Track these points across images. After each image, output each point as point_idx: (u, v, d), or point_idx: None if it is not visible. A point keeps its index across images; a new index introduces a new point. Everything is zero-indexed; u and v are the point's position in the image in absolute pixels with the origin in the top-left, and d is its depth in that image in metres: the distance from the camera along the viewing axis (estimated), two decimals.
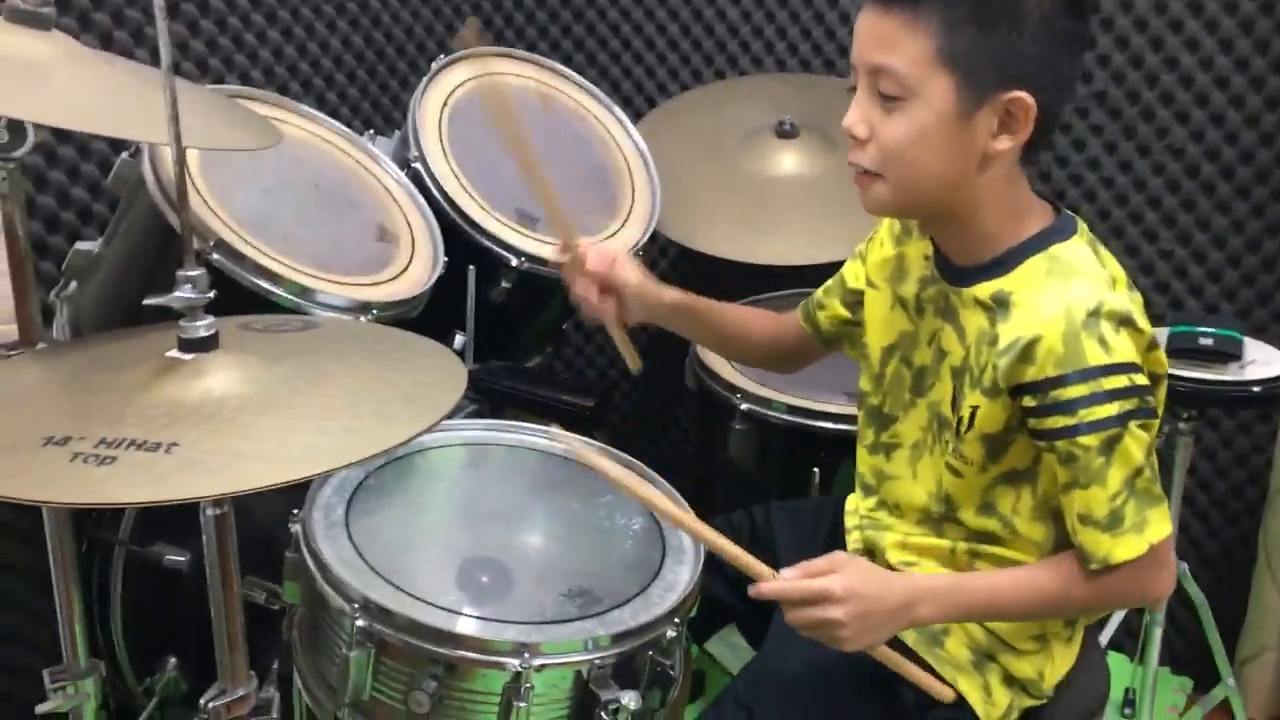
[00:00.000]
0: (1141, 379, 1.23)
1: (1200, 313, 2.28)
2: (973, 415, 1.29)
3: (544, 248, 1.93)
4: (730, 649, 1.78)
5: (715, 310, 1.61)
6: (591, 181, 2.10)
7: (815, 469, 1.89)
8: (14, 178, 1.31)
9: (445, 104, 2.01)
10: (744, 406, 1.93)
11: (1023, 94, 1.21)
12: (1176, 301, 2.33)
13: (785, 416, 1.92)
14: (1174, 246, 2.31)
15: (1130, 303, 1.23)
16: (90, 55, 1.30)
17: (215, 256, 1.55)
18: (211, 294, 1.08)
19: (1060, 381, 1.21)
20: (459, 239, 1.88)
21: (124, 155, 1.64)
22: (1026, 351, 1.22)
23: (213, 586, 1.15)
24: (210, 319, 1.09)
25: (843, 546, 1.55)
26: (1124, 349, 1.21)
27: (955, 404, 1.33)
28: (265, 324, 1.24)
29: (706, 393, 2.02)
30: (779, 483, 1.99)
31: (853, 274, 1.54)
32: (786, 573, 1.27)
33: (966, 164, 1.25)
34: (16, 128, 1.28)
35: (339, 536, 1.45)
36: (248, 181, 1.66)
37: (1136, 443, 1.22)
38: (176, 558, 1.70)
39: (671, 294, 1.56)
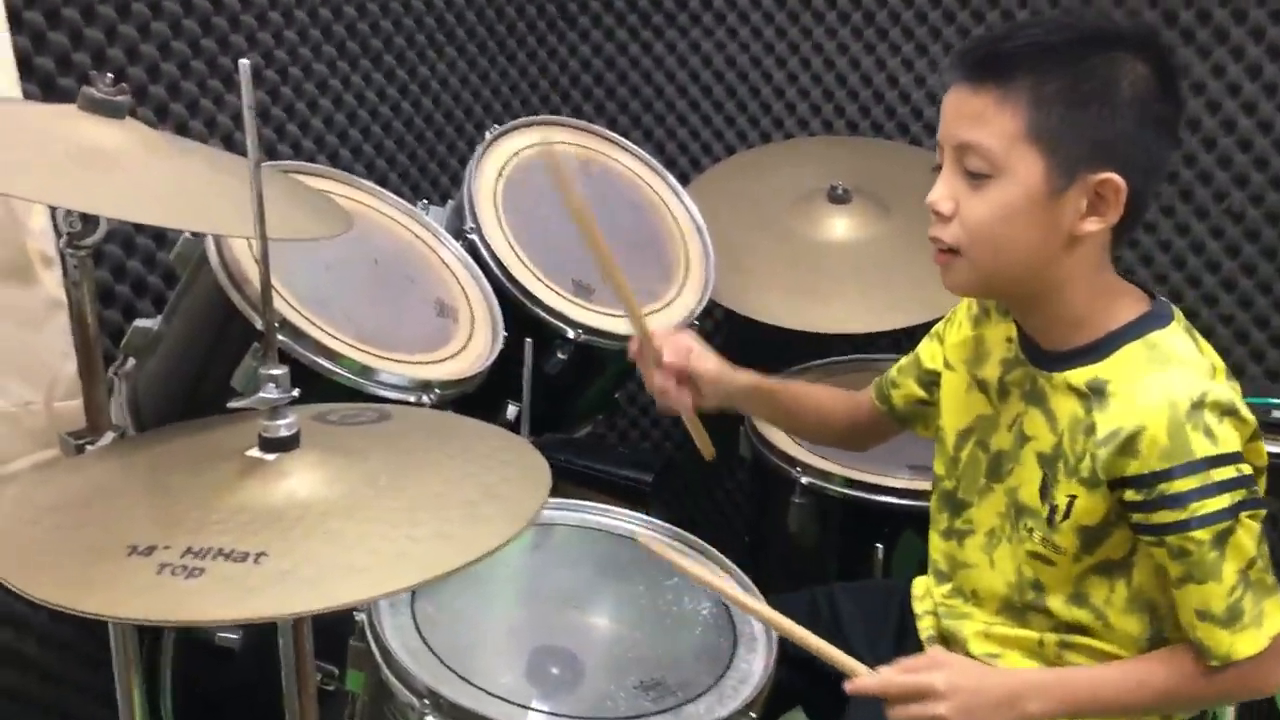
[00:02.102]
0: (1247, 468, 1.20)
1: (1266, 382, 2.24)
2: (1070, 505, 1.26)
3: (600, 319, 1.91)
4: None
5: (789, 391, 1.60)
6: (646, 249, 2.08)
7: (878, 545, 1.86)
8: (85, 265, 1.29)
9: (500, 174, 2.00)
10: (804, 480, 1.90)
11: (1113, 175, 1.19)
12: (1239, 368, 2.29)
13: (846, 490, 1.89)
14: (1234, 310, 2.28)
15: (1232, 392, 1.21)
16: (164, 143, 1.29)
17: (280, 338, 1.53)
18: (295, 393, 1.06)
19: (1167, 475, 1.18)
20: (515, 311, 1.86)
21: (186, 233, 1.63)
22: (1129, 444, 1.19)
23: (289, 694, 1.12)
24: (292, 418, 1.07)
25: (914, 632, 1.52)
26: (1229, 440, 1.19)
27: (1045, 492, 1.29)
28: (340, 415, 1.22)
29: (763, 465, 1.99)
30: (840, 558, 1.96)
31: (929, 354, 1.52)
32: (885, 670, 1.26)
33: (1053, 245, 1.23)
34: (89, 216, 1.27)
35: (405, 623, 1.43)
36: (309, 258, 1.64)
37: (1248, 533, 1.20)
38: (229, 635, 1.67)
39: (745, 377, 1.54)
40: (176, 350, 1.67)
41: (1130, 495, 1.21)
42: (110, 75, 1.25)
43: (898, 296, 2.15)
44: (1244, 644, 1.21)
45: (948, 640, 1.45)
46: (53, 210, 1.26)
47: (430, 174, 2.47)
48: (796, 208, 2.31)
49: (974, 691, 1.24)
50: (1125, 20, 2.18)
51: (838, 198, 2.28)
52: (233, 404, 1.07)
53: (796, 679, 1.48)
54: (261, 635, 1.51)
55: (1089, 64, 1.19)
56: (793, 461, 1.92)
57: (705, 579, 1.36)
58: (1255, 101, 2.18)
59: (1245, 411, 1.21)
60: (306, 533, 0.98)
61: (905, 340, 2.40)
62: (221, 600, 0.90)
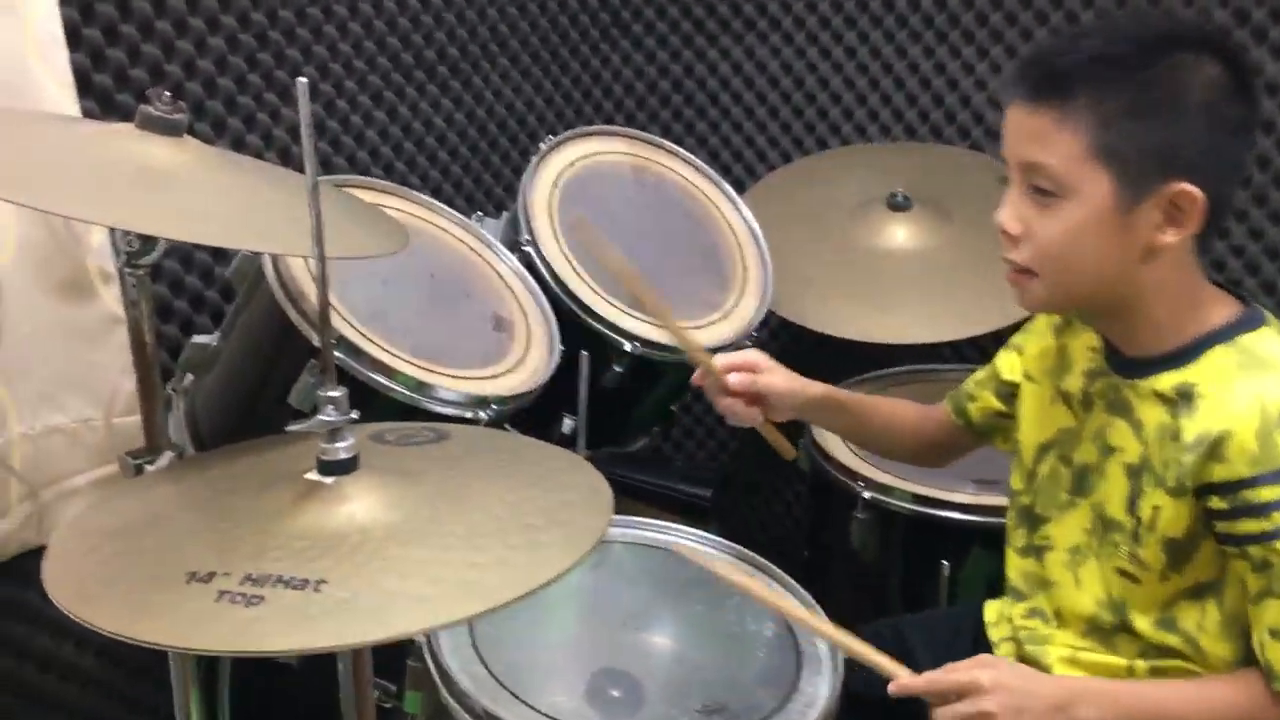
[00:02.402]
0: None
1: None
2: (1154, 516, 1.22)
3: (657, 331, 1.88)
4: None
5: (861, 403, 1.57)
6: (702, 258, 2.06)
7: (945, 562, 1.81)
8: (143, 284, 1.29)
9: (555, 184, 1.98)
10: (867, 495, 1.86)
11: (1188, 185, 1.15)
12: None
13: (910, 505, 1.84)
14: None
15: None
16: (222, 161, 1.29)
17: (337, 354, 1.51)
18: (355, 415, 1.04)
19: (1252, 483, 1.14)
20: (571, 324, 1.84)
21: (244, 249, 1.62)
22: (1216, 448, 1.15)
23: (347, 718, 1.10)
24: (351, 440, 1.05)
25: None
26: None
27: (1132, 504, 1.25)
28: (398, 435, 1.20)
29: (823, 479, 1.95)
30: (904, 575, 1.91)
31: (1007, 366, 1.48)
32: (930, 671, 1.23)
33: (1128, 259, 1.19)
34: (147, 235, 1.27)
35: (463, 643, 1.41)
36: (365, 273, 1.63)
37: None
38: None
39: (817, 388, 1.52)
40: (234, 366, 1.66)
41: (1214, 503, 1.17)
42: (167, 93, 1.24)
43: (960, 306, 2.11)
44: None
45: (1029, 665, 1.40)
46: (111, 228, 1.26)
47: (484, 185, 2.45)
48: (855, 216, 2.27)
49: (1023, 692, 1.19)
50: (1193, 20, 2.11)
51: (898, 205, 2.24)
52: (292, 427, 1.05)
53: (861, 713, 1.44)
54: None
55: (1154, 73, 1.15)
56: (855, 475, 1.89)
57: (766, 597, 1.33)
58: None
59: None
60: (366, 559, 0.96)
61: (967, 350, 2.36)
62: (282, 630, 0.88)
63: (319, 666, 1.66)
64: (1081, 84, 1.15)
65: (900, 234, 2.23)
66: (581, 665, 1.42)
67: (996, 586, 1.83)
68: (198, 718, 1.37)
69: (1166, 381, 1.22)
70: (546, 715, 1.33)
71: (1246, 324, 1.22)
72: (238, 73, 1.92)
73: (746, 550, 1.63)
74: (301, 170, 0.98)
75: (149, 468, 1.29)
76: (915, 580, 1.89)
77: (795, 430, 2.08)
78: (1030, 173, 1.19)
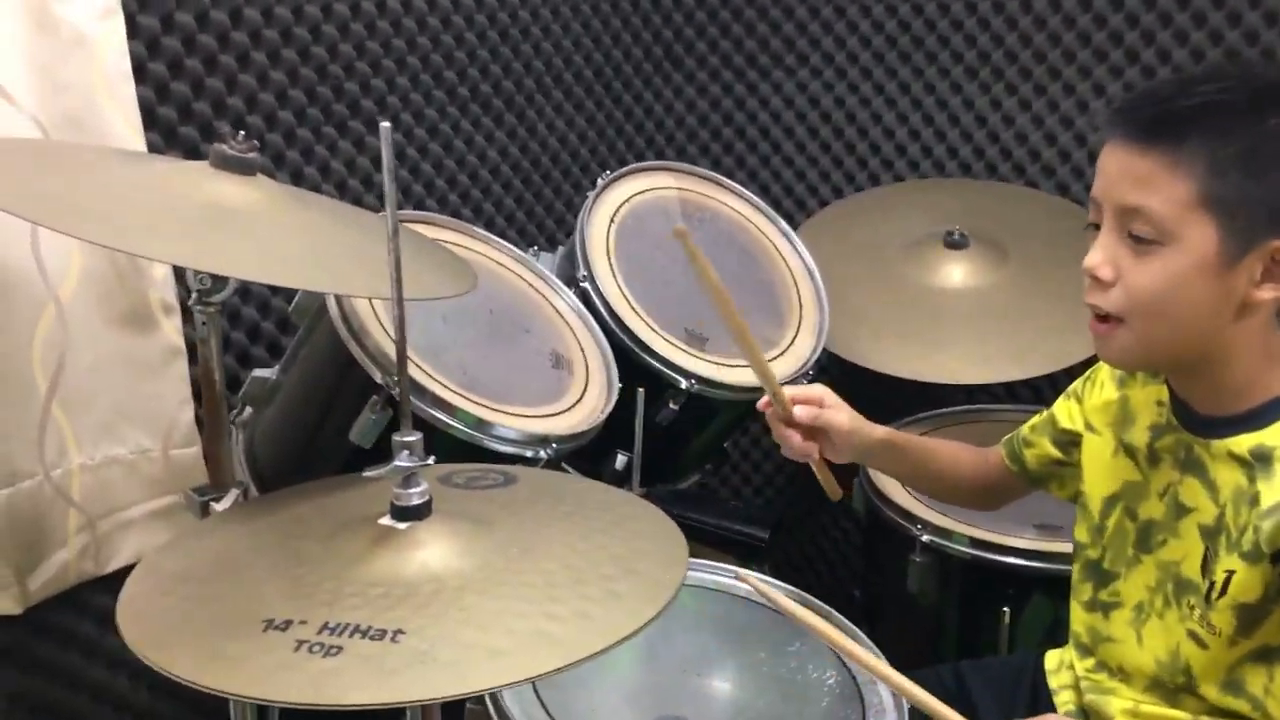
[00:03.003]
0: None
1: None
2: (1227, 581, 1.19)
3: (713, 369, 1.87)
4: None
5: (922, 447, 1.55)
6: (758, 295, 2.04)
7: (1005, 608, 1.79)
8: (214, 321, 1.29)
9: (612, 220, 1.98)
10: (925, 538, 1.84)
11: None
12: None
13: (969, 550, 1.82)
14: None
15: None
16: (293, 200, 1.28)
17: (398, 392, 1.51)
18: (430, 461, 1.03)
19: None
20: (627, 360, 1.83)
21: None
22: None
23: None
24: (425, 485, 1.04)
25: (1050, 707, 1.44)
26: None
27: (1206, 567, 1.22)
28: (466, 477, 1.19)
29: (880, 521, 1.93)
30: (962, 620, 1.88)
31: (1065, 414, 1.46)
32: None
33: (1224, 314, 1.16)
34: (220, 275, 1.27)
35: (524, 689, 1.39)
36: (424, 309, 1.63)
37: None
38: None
39: (879, 431, 1.50)
40: (294, 401, 1.66)
41: None
42: (242, 132, 1.25)
43: (1015, 347, 2.09)
44: None
45: (1089, 716, 1.38)
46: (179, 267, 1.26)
47: (536, 219, 2.46)
48: (910, 253, 2.25)
49: None
50: None
51: (954, 243, 2.22)
52: (369, 473, 1.04)
53: None
54: None
55: (1269, 126, 1.12)
56: (912, 519, 1.86)
57: (839, 641, 1.31)
58: None
59: None
60: (442, 609, 0.95)
61: (1022, 390, 2.33)
62: (362, 682, 0.87)
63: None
64: (1196, 129, 1.12)
65: (957, 273, 2.21)
66: (642, 711, 1.40)
67: (1056, 634, 1.81)
68: None
69: (1243, 444, 1.19)
70: None
71: None
72: (298, 105, 1.93)
73: (804, 593, 1.62)
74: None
75: (215, 505, 1.29)
76: (973, 626, 1.86)
77: (849, 471, 2.06)
78: (1130, 217, 1.16)
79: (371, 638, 0.91)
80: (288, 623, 0.93)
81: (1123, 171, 1.16)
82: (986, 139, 2.44)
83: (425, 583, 0.98)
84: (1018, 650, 1.80)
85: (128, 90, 1.60)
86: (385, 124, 0.97)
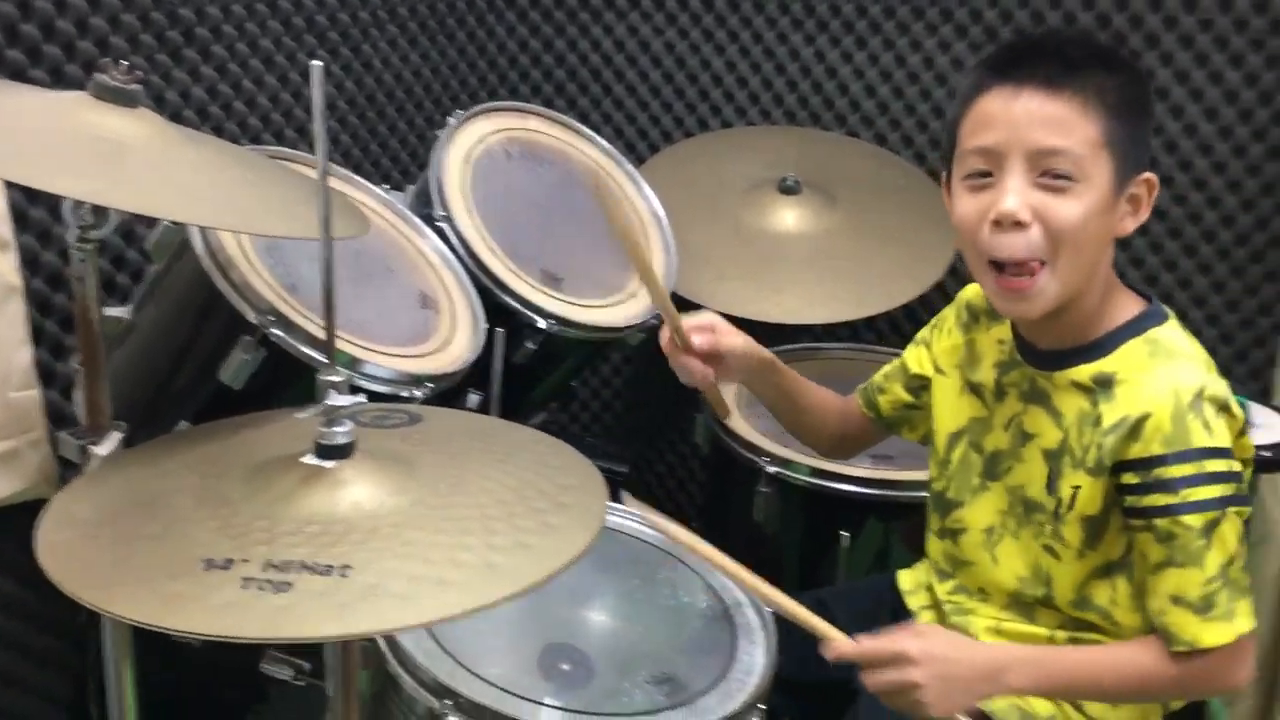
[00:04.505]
0: (1237, 465, 1.26)
1: (1249, 381, 2.30)
2: (1074, 496, 1.31)
3: (570, 309, 1.91)
4: None
5: (799, 380, 1.60)
6: (610, 239, 2.08)
7: (844, 533, 1.91)
8: (92, 259, 1.24)
9: (467, 160, 1.97)
10: (770, 469, 1.93)
11: (1151, 175, 1.27)
12: (1225, 368, 2.27)
13: (811, 480, 1.93)
14: (1220, 311, 2.34)
15: (1225, 388, 1.27)
16: (176, 134, 1.24)
17: (274, 331, 1.49)
18: (362, 397, 1.04)
19: (1163, 460, 1.23)
20: (486, 300, 1.84)
21: (165, 221, 1.57)
22: (1135, 429, 1.24)
23: (335, 704, 1.10)
24: (350, 424, 1.05)
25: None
26: (1223, 434, 1.24)
27: (1052, 485, 1.34)
28: (370, 416, 1.20)
29: (726, 455, 2.01)
30: (803, 546, 2.00)
31: (915, 360, 1.55)
32: (863, 637, 1.28)
33: (1107, 247, 1.29)
34: (101, 208, 1.22)
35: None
36: (293, 251, 1.60)
37: (1232, 529, 1.25)
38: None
39: (767, 353, 1.55)
40: (150, 339, 1.61)
41: (1127, 478, 1.26)
42: (124, 62, 1.20)
43: (851, 288, 2.21)
44: (1212, 634, 1.24)
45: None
46: (59, 201, 1.20)
47: (373, 155, 2.42)
48: (747, 197, 2.34)
49: (952, 660, 1.26)
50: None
51: (788, 189, 2.32)
52: (301, 414, 1.04)
53: (794, 688, 1.50)
54: None
55: (1135, 72, 1.27)
56: (758, 451, 1.95)
57: (723, 563, 1.36)
58: (1251, 109, 2.23)
59: (1236, 407, 1.27)
60: (384, 545, 0.97)
61: (864, 330, 2.47)
62: (318, 616, 0.88)
63: (222, 648, 1.64)
64: (1094, 75, 1.23)
65: (790, 217, 2.31)
66: (530, 641, 1.45)
67: (887, 557, 1.95)
68: (131, 706, 1.33)
69: (1084, 373, 1.32)
70: (502, 688, 1.35)
71: (1154, 318, 1.32)
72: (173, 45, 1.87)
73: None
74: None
75: (94, 448, 1.24)
76: (813, 552, 1.98)
77: (694, 409, 2.15)
78: (1046, 158, 1.23)
79: (319, 573, 0.92)
80: (229, 561, 0.92)
81: (1035, 116, 1.23)
82: (810, 89, 2.54)
83: (362, 519, 0.99)
84: (853, 575, 1.93)
85: None
86: (317, 64, 0.96)
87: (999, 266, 1.27)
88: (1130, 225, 1.28)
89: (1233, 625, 1.25)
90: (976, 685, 1.27)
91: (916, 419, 1.58)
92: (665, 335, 1.47)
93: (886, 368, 1.61)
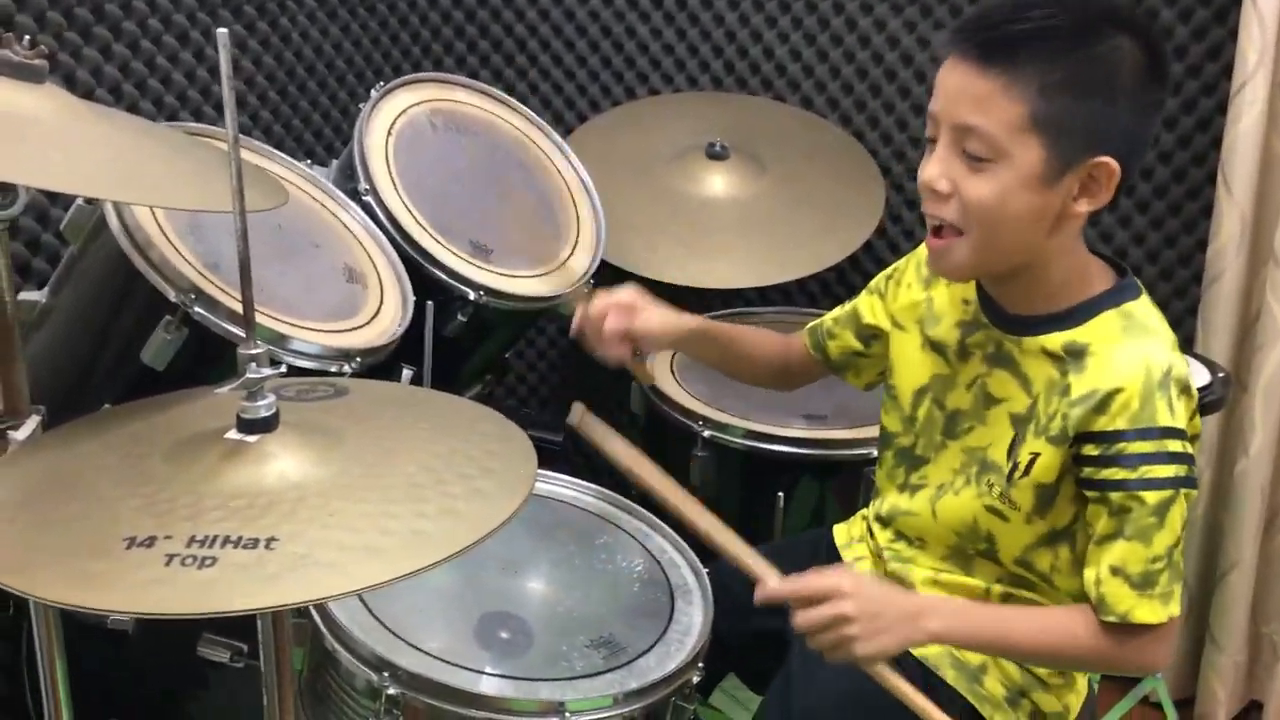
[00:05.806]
0: (1191, 449, 1.26)
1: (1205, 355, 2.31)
2: (1031, 463, 1.30)
3: (499, 280, 1.90)
4: (730, 698, 1.79)
5: (729, 332, 1.62)
6: (538, 210, 2.07)
7: (780, 493, 1.92)
8: (2, 241, 1.21)
9: (390, 132, 1.95)
10: (706, 434, 1.95)
11: (1109, 160, 1.22)
12: (1188, 340, 2.29)
13: (746, 442, 1.94)
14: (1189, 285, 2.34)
15: (1186, 368, 1.27)
16: (86, 110, 1.22)
17: (197, 310, 1.47)
18: (283, 369, 1.03)
19: (1126, 436, 1.23)
20: (414, 273, 1.83)
21: (79, 200, 1.54)
22: (1104, 403, 1.24)
23: (268, 680, 1.10)
24: (272, 398, 1.04)
25: None
26: (1182, 415, 1.25)
27: (1013, 450, 1.33)
28: (295, 390, 1.18)
29: (662, 420, 2.02)
30: (741, 507, 2.01)
31: (869, 309, 1.54)
32: (794, 576, 1.29)
33: (1044, 225, 1.26)
34: (8, 186, 1.19)
35: (350, 598, 1.41)
36: (210, 224, 1.57)
37: (1180, 512, 1.25)
38: (122, 618, 1.61)
39: (690, 322, 1.55)
40: (70, 323, 1.58)
41: (1088, 449, 1.26)
42: (28, 37, 1.17)
43: (780, 252, 2.22)
44: (1145, 611, 1.24)
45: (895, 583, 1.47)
46: None
47: (295, 131, 2.39)
48: (675, 164, 2.33)
49: (880, 600, 1.27)
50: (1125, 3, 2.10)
51: (716, 154, 2.32)
52: (220, 389, 1.03)
53: (730, 646, 1.52)
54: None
55: (1094, 52, 1.21)
56: (694, 416, 1.96)
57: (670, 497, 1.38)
58: (1214, 83, 2.22)
59: (1194, 388, 1.28)
60: (310, 516, 0.96)
61: (796, 294, 2.48)
62: (244, 589, 0.87)
63: (153, 633, 1.62)
64: (1029, 53, 1.20)
65: (719, 183, 2.31)
66: (466, 611, 1.45)
67: (822, 514, 1.97)
68: (64, 695, 1.31)
69: (1055, 340, 1.31)
70: (442, 659, 1.35)
71: (1128, 291, 1.32)
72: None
73: (607, 490, 1.70)
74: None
75: (12, 433, 1.22)
76: (750, 512, 1.99)
77: (630, 378, 2.15)
78: (965, 135, 1.23)
79: (245, 547, 0.91)
80: (151, 539, 0.91)
81: (960, 91, 1.23)
82: (736, 54, 2.53)
83: (287, 491, 0.98)
84: (790, 534, 1.95)
85: None
86: (222, 30, 0.95)
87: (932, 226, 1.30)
88: (1083, 207, 1.25)
89: (1167, 608, 1.26)
90: (899, 626, 1.27)
91: (864, 365, 1.57)
92: (576, 323, 1.49)
93: (837, 311, 1.59)
